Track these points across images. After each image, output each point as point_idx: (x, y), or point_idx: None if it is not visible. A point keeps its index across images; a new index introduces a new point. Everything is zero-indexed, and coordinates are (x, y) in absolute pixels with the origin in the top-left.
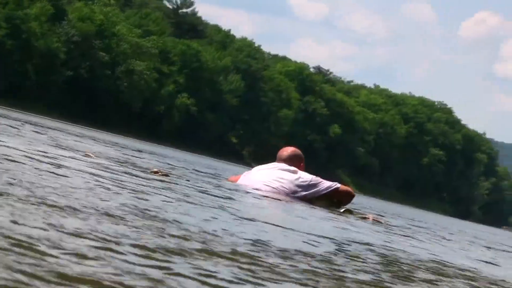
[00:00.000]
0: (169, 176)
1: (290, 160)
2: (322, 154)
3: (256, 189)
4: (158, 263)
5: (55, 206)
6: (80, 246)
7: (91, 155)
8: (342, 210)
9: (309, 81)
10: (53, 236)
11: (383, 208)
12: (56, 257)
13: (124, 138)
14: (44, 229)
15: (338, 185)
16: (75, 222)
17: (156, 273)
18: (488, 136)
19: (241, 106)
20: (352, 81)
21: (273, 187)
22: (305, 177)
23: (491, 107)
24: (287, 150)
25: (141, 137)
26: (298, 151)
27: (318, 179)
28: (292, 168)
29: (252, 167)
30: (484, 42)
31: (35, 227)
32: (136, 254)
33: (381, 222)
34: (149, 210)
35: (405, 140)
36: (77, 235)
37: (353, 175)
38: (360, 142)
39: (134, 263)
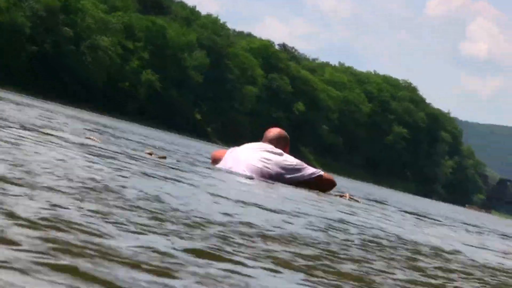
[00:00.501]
0: (165, 158)
1: (277, 141)
2: (288, 133)
3: (241, 168)
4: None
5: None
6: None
7: (94, 138)
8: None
9: (274, 59)
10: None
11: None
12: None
13: (88, 114)
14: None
15: (322, 172)
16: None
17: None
18: (452, 115)
19: (206, 83)
20: (317, 59)
21: (258, 167)
22: (291, 160)
23: (455, 86)
24: (274, 131)
25: (106, 113)
26: (284, 133)
27: (303, 164)
28: (278, 150)
29: (217, 144)
30: (450, 22)
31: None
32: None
33: (357, 201)
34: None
35: (369, 119)
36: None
37: (319, 154)
38: (325, 120)
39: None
